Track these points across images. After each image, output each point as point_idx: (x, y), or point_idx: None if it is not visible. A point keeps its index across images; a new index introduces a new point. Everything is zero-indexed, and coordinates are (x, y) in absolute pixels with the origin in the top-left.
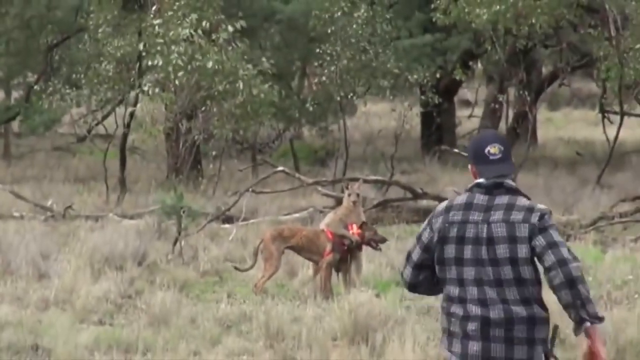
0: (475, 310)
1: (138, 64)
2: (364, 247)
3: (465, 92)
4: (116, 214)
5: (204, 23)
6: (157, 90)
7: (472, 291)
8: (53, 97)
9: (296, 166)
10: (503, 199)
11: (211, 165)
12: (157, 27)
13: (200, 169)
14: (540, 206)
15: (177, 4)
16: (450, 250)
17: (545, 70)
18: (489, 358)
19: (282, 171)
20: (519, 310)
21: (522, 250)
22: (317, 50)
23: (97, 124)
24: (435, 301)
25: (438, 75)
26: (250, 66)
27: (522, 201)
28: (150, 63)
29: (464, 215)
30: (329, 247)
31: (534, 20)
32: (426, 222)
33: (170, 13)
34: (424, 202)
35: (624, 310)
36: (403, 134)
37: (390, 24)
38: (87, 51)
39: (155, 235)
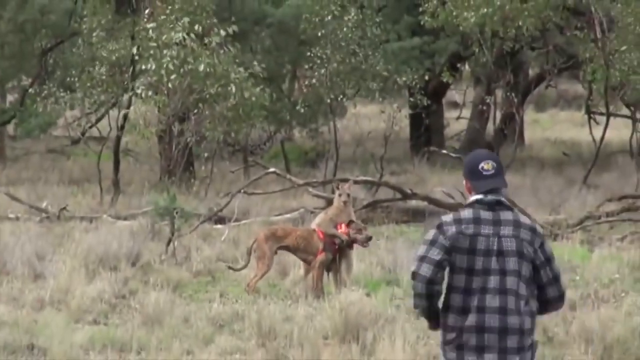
0: (474, 319)
1: (131, 68)
2: (355, 247)
3: (453, 94)
4: (110, 215)
5: (196, 27)
6: (150, 93)
7: (475, 300)
8: (47, 101)
9: (287, 167)
10: (507, 215)
11: (203, 167)
12: (150, 31)
13: (193, 170)
14: (539, 230)
15: (170, 8)
16: (462, 261)
17: (532, 72)
18: None
19: (274, 172)
20: (515, 320)
21: (526, 268)
22: (308, 53)
23: (90, 127)
24: None
25: (426, 78)
26: (241, 69)
27: (524, 219)
28: (143, 66)
29: (475, 229)
30: (321, 246)
31: (520, 23)
32: (434, 230)
33: (163, 17)
34: (413, 203)
35: (611, 309)
36: (392, 135)
37: (380, 27)
38: (81, 55)
39: (148, 236)
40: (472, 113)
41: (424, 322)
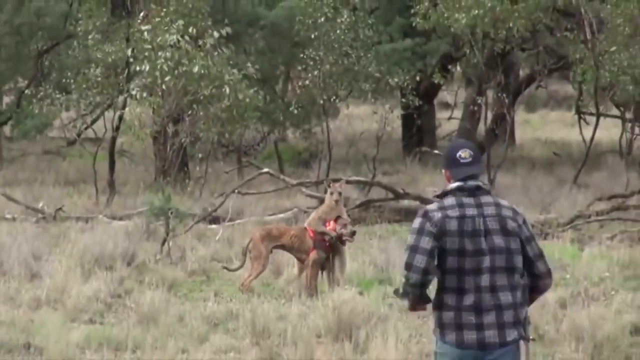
0: (470, 298)
1: (126, 69)
2: (348, 246)
3: (444, 95)
4: (106, 216)
5: (190, 29)
6: (144, 94)
7: (469, 281)
8: (43, 102)
9: (281, 168)
10: (488, 198)
11: (198, 168)
12: (144, 33)
13: (187, 171)
14: (519, 209)
15: (164, 10)
16: (453, 243)
17: (522, 73)
18: (484, 344)
19: (267, 173)
20: (507, 296)
21: (514, 242)
22: (301, 55)
23: (86, 128)
24: None
25: (418, 79)
26: (235, 71)
27: (503, 202)
28: (138, 68)
29: (460, 212)
30: (311, 245)
31: (511, 24)
32: (421, 218)
33: (157, 19)
34: (405, 202)
35: (601, 307)
36: (384, 136)
37: (372, 29)
38: (76, 57)
39: (143, 236)
40: (463, 113)
41: (416, 321)
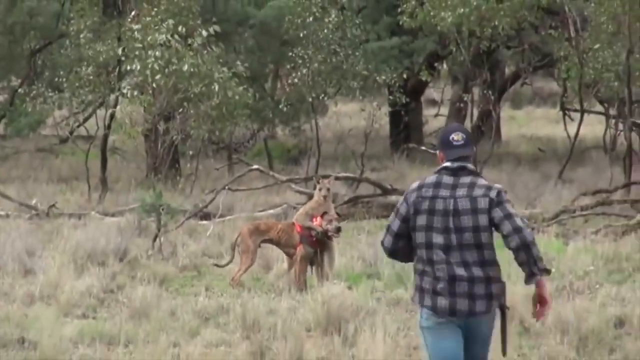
0: (442, 270)
1: (117, 68)
2: (336, 241)
3: (431, 92)
4: (98, 212)
5: (180, 28)
6: (136, 93)
7: (440, 254)
8: (36, 100)
9: (270, 164)
10: (466, 179)
11: (189, 165)
12: (135, 33)
13: (178, 168)
14: (497, 185)
15: (155, 10)
16: (422, 220)
17: (508, 70)
18: (455, 310)
19: (257, 169)
20: (478, 271)
21: (483, 220)
22: (290, 53)
23: (78, 126)
24: (404, 293)
25: (405, 76)
26: (225, 69)
27: (481, 181)
28: (129, 67)
29: (434, 192)
30: (299, 239)
31: (496, 23)
32: (402, 198)
33: (148, 19)
34: (393, 198)
35: (585, 300)
36: (372, 132)
37: (360, 28)
38: (68, 56)
39: (135, 232)
40: (449, 110)
41: (404, 315)
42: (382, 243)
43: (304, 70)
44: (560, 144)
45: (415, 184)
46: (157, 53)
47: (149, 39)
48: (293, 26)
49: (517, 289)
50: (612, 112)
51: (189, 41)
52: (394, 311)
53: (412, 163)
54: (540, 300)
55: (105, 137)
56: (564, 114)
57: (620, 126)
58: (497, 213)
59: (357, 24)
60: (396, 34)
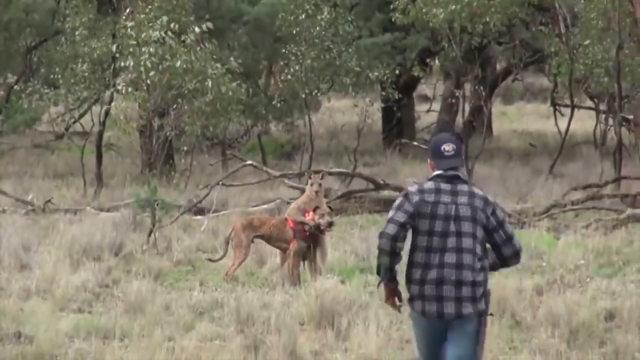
0: (434, 273)
1: (112, 65)
2: (328, 236)
3: (423, 88)
4: (93, 208)
5: (173, 25)
6: (130, 89)
7: (436, 257)
8: (32, 97)
9: (264, 160)
10: (464, 187)
11: (183, 160)
12: (129, 30)
13: (173, 163)
14: (491, 199)
15: (149, 7)
16: (424, 225)
17: (499, 66)
18: (442, 314)
19: (251, 165)
20: (468, 275)
21: (479, 231)
22: (283, 50)
23: (74, 122)
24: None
25: (397, 72)
26: (218, 65)
27: (478, 191)
28: (123, 64)
29: (436, 198)
30: (291, 235)
31: (488, 19)
32: (401, 198)
33: (142, 16)
34: (385, 193)
35: (576, 294)
36: (365, 128)
37: (352, 24)
38: (64, 53)
39: (130, 227)
40: (441, 106)
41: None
42: (383, 232)
43: (297, 67)
44: (551, 139)
45: (413, 188)
46: (151, 50)
47: (143, 35)
48: (286, 23)
49: (508, 282)
50: (602, 107)
51: (183, 38)
52: (387, 305)
53: (404, 158)
54: None
55: (101, 133)
56: (555, 110)
57: (611, 121)
58: (492, 224)
59: (350, 20)
60: (388, 30)
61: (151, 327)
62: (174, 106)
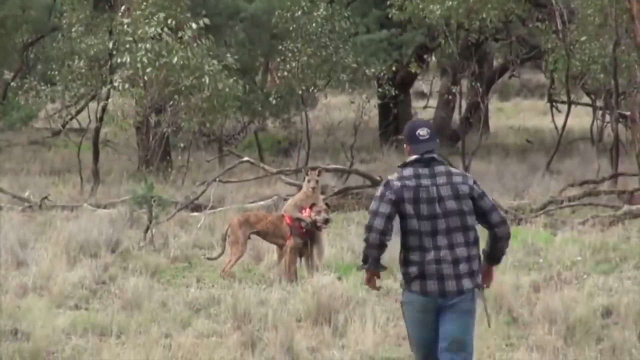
0: (430, 254)
1: (109, 61)
2: (325, 232)
3: (420, 84)
4: (90, 204)
5: (170, 21)
6: (127, 86)
7: (428, 240)
8: (29, 94)
9: (261, 156)
10: (440, 168)
11: (180, 157)
12: (126, 26)
13: (170, 160)
14: (469, 175)
15: (144, 3)
16: (409, 209)
17: (496, 62)
18: (444, 292)
19: (248, 161)
20: (462, 251)
21: (466, 204)
22: (280, 46)
23: (71, 119)
24: (393, 284)
25: (394, 69)
26: (215, 62)
27: (454, 170)
28: (120, 60)
29: (417, 182)
30: (288, 231)
31: (484, 15)
32: (382, 188)
33: (138, 12)
34: None
35: (573, 290)
36: (362, 124)
37: (349, 21)
38: (60, 49)
39: (127, 224)
40: (438, 102)
41: (393, 304)
42: (371, 226)
43: (294, 63)
44: (547, 135)
45: (394, 176)
46: (147, 46)
47: (139, 32)
48: (282, 19)
49: (505, 278)
50: (599, 103)
51: (180, 34)
52: (384, 301)
53: (401, 155)
54: (488, 279)
55: (97, 130)
56: (552, 106)
57: (607, 118)
58: (476, 192)
59: (346, 17)
60: (385, 26)
61: (148, 323)
62: (171, 103)
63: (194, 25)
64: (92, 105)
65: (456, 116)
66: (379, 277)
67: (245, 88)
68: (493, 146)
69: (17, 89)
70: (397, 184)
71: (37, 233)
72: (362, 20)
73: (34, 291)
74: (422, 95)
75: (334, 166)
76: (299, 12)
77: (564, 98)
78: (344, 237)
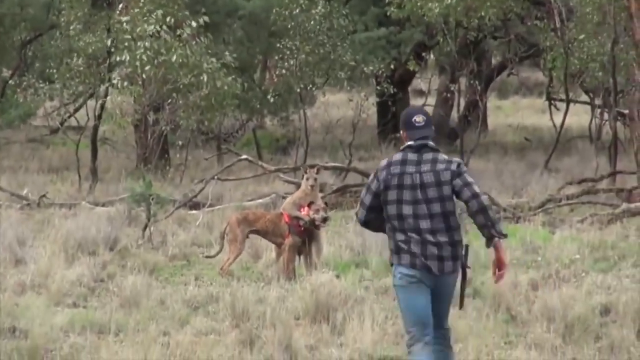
0: (414, 236)
1: (107, 59)
2: (324, 230)
3: (418, 82)
4: (88, 202)
5: (168, 19)
6: (125, 83)
7: (410, 223)
8: (27, 92)
9: (259, 154)
10: (428, 156)
11: (178, 155)
12: (124, 24)
13: (168, 158)
14: (456, 158)
15: (142, 1)
16: (393, 195)
17: (494, 60)
18: (429, 269)
19: (246, 159)
20: (444, 237)
21: (446, 190)
22: (278, 44)
23: (69, 117)
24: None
25: (393, 67)
26: (214, 60)
27: (442, 156)
28: (118, 58)
29: (402, 169)
30: (287, 229)
31: (483, 13)
32: (372, 175)
33: (137, 10)
34: None
35: (571, 288)
36: (360, 122)
37: (347, 18)
38: (59, 47)
39: (125, 222)
40: (437, 100)
41: (392, 302)
42: (356, 215)
43: (292, 61)
44: (546, 133)
45: (384, 162)
46: (146, 44)
47: (138, 30)
48: (281, 17)
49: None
50: (598, 101)
51: (178, 32)
52: (382, 299)
53: None
54: (499, 264)
55: (96, 128)
56: (550, 104)
57: (606, 116)
58: (457, 182)
59: (345, 14)
60: (383, 24)
61: (146, 321)
62: (169, 100)
63: (193, 24)
64: (91, 103)
65: (455, 114)
66: None
67: (244, 86)
68: (491, 144)
69: (16, 86)
70: (384, 173)
71: (35, 231)
72: (360, 18)
73: (32, 289)
74: (420, 93)
75: (333, 164)
76: (297, 10)
77: (563, 96)
78: (342, 235)
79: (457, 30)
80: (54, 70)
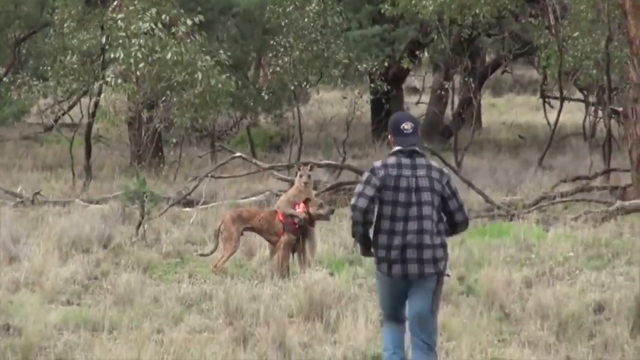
0: (399, 239)
1: (101, 57)
2: (318, 228)
3: (412, 80)
4: (82, 200)
5: (163, 17)
6: (119, 81)
7: (400, 225)
8: (21, 89)
9: (253, 152)
10: (421, 161)
11: (172, 152)
12: (118, 22)
13: (162, 155)
14: (446, 170)
15: None
16: (388, 196)
17: (488, 58)
18: (407, 274)
19: (240, 157)
20: (428, 239)
21: (437, 199)
22: (272, 42)
23: (63, 114)
24: None
25: (387, 64)
26: (208, 57)
27: (434, 163)
28: (112, 55)
29: (398, 171)
30: (281, 227)
31: (477, 11)
32: (369, 172)
33: (131, 8)
34: None
35: (565, 286)
36: (354, 120)
37: (341, 16)
38: (53, 45)
39: (119, 220)
40: (431, 98)
41: None
42: (355, 205)
43: (286, 59)
44: (540, 131)
45: (378, 163)
46: (140, 42)
47: (132, 27)
48: (274, 15)
49: (497, 274)
50: (592, 99)
51: (172, 30)
52: (375, 297)
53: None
54: None
55: (90, 125)
56: (544, 101)
57: (600, 113)
58: (447, 192)
59: (338, 12)
60: (377, 22)
61: (140, 319)
62: (163, 98)
63: (187, 22)
64: (85, 100)
65: (449, 112)
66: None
67: (238, 84)
68: (485, 142)
69: (10, 84)
70: (382, 172)
71: (29, 228)
72: (354, 16)
73: (26, 286)
74: (414, 90)
75: (326, 162)
76: (291, 7)
77: (557, 94)
78: (336, 233)
79: (451, 28)
80: (48, 68)
